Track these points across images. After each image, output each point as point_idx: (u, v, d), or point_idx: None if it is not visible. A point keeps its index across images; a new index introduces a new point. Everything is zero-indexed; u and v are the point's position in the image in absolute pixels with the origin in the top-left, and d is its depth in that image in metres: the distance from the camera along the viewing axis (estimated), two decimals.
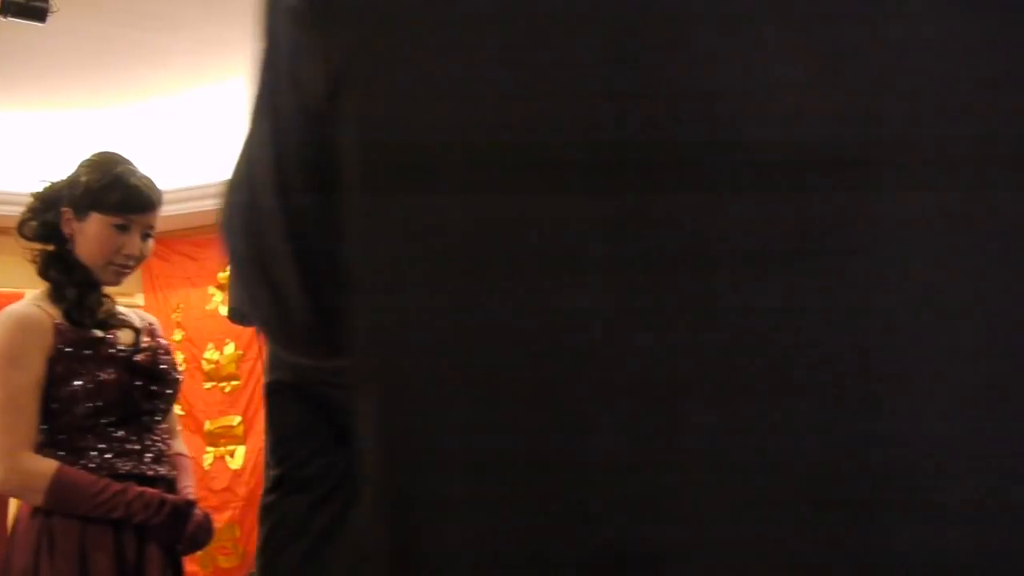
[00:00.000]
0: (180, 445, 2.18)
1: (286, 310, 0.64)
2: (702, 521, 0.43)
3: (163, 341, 2.14)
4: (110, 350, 1.97)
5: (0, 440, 1.91)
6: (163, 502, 1.93)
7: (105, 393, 1.93)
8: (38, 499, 1.88)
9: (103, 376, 1.94)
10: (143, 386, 2.00)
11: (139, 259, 2.07)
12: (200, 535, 2.01)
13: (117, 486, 1.89)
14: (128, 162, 2.07)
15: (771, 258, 0.44)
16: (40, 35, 3.56)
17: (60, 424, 1.95)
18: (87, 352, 1.95)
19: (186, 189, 4.75)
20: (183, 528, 1.95)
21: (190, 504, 2.00)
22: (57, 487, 1.86)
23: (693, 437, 0.43)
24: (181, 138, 4.97)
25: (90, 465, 1.92)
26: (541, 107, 0.47)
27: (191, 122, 4.88)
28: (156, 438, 2.03)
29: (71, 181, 2.04)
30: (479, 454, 0.47)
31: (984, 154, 0.44)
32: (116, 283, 2.07)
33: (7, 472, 1.90)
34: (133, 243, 2.02)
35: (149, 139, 4.62)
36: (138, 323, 2.10)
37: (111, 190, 1.99)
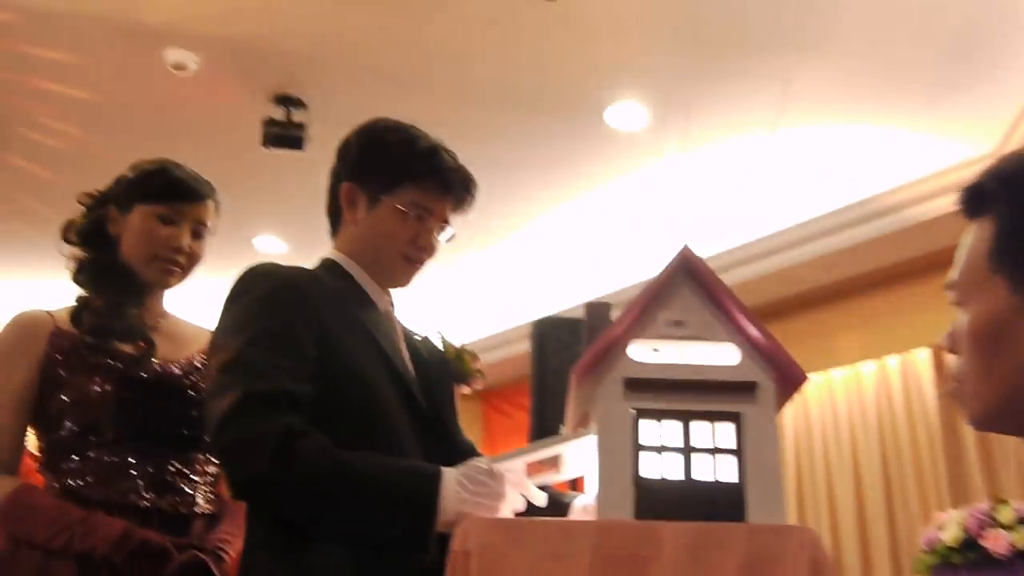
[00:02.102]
0: None
1: None
2: None
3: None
4: (104, 360, 1.75)
5: None
6: (128, 536, 1.62)
7: (92, 409, 1.72)
8: None
9: (91, 390, 1.72)
10: (150, 404, 1.76)
11: (188, 256, 1.88)
12: None
13: (79, 514, 1.64)
14: (174, 162, 1.93)
15: None
16: None
17: (49, 441, 1.76)
18: (74, 360, 1.75)
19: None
20: (156, 573, 1.63)
21: (165, 546, 1.64)
22: (12, 509, 1.66)
23: None
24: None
25: (68, 485, 1.70)
26: None
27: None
28: (172, 467, 1.77)
29: (117, 179, 1.92)
30: None
31: None
32: (164, 282, 1.88)
33: None
34: (180, 235, 1.85)
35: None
36: (197, 339, 1.88)
37: (155, 179, 1.86)
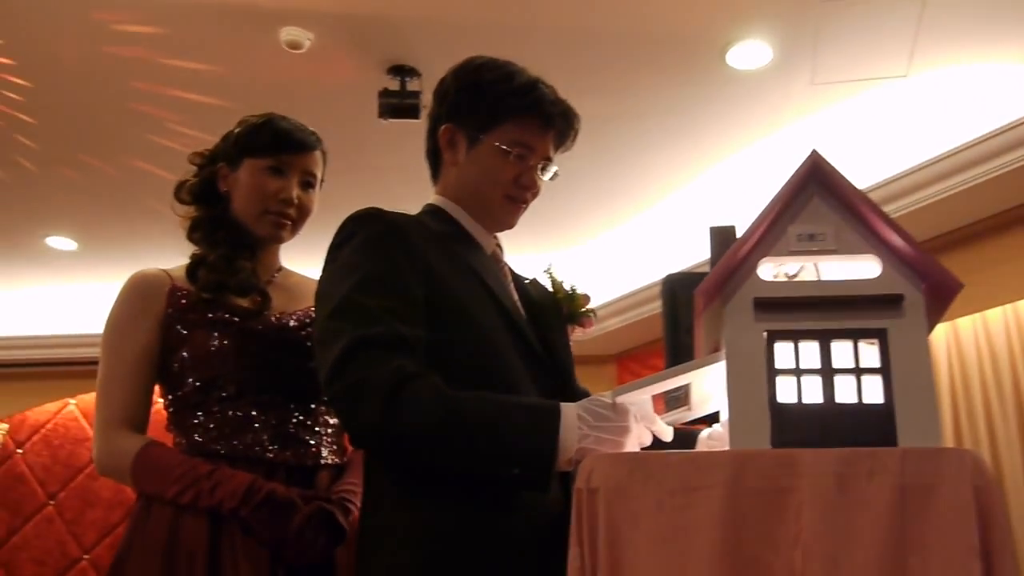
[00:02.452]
0: None
1: None
2: None
3: None
4: (220, 315, 1.77)
5: (97, 416, 1.79)
6: (253, 489, 1.64)
7: (207, 365, 1.74)
8: (127, 480, 1.72)
9: (210, 345, 1.74)
10: (269, 357, 1.77)
11: (299, 208, 1.87)
12: (311, 536, 1.65)
13: (204, 468, 1.67)
14: (279, 115, 1.93)
15: None
16: None
17: (174, 398, 1.79)
18: (192, 316, 1.77)
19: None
20: (283, 525, 1.63)
21: (291, 499, 1.65)
22: (139, 467, 1.69)
23: None
24: None
25: (194, 440, 1.74)
26: None
27: None
28: (295, 419, 1.77)
29: (225, 137, 1.93)
30: None
31: None
32: (276, 236, 1.88)
33: (98, 452, 1.77)
34: (289, 187, 1.85)
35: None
36: (309, 292, 1.74)
37: (261, 132, 1.86)
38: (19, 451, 6.76)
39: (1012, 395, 3.78)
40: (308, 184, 1.91)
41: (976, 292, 3.92)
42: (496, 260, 1.70)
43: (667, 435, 1.41)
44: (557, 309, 1.78)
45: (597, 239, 4.99)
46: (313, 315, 1.71)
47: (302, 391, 1.79)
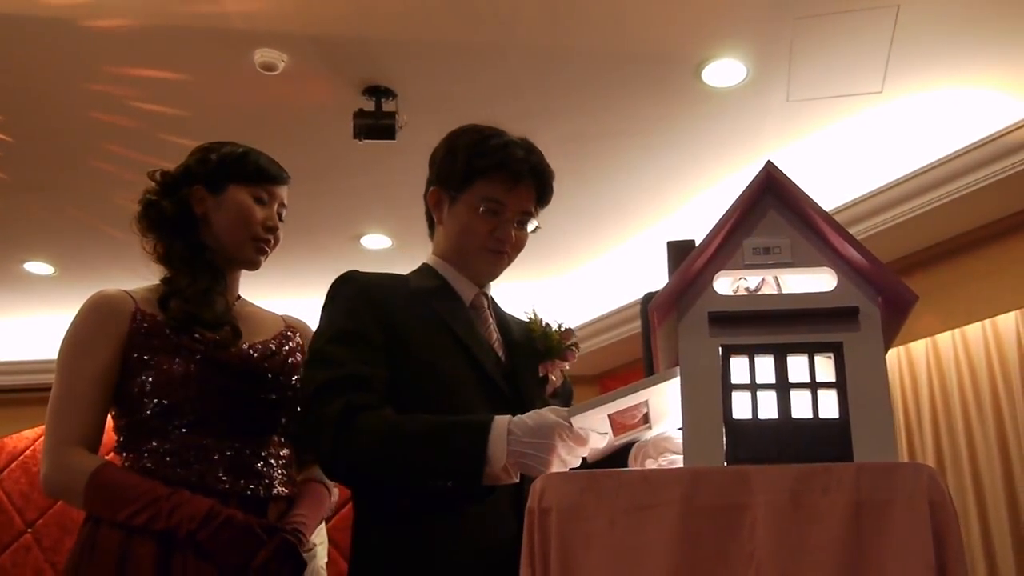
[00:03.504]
0: (318, 473, 1.88)
1: None
2: None
3: (290, 347, 1.91)
4: (186, 341, 1.75)
5: (49, 434, 1.73)
6: (212, 514, 1.63)
7: (171, 388, 1.72)
8: (79, 501, 1.68)
9: (174, 371, 1.72)
10: (227, 387, 1.76)
11: (276, 239, 1.92)
12: (276, 567, 1.66)
13: (163, 490, 1.65)
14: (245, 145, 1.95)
15: None
16: None
17: (129, 423, 1.76)
18: (156, 342, 1.74)
19: None
20: (242, 551, 1.63)
21: (250, 524, 1.66)
22: (94, 486, 1.66)
23: None
24: None
25: (146, 467, 1.70)
26: None
27: None
28: (249, 450, 1.77)
29: (199, 160, 1.92)
30: None
31: None
32: (256, 261, 1.90)
33: (48, 469, 1.71)
34: (273, 215, 1.90)
35: None
36: (268, 323, 1.94)
37: (245, 162, 1.88)
38: None
39: (991, 409, 3.77)
40: (280, 215, 1.96)
41: (955, 308, 3.92)
42: (477, 310, 1.81)
43: (589, 457, 1.49)
44: (532, 345, 1.83)
45: (574, 259, 4.98)
46: (273, 347, 1.88)
47: (259, 421, 1.81)
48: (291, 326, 1.99)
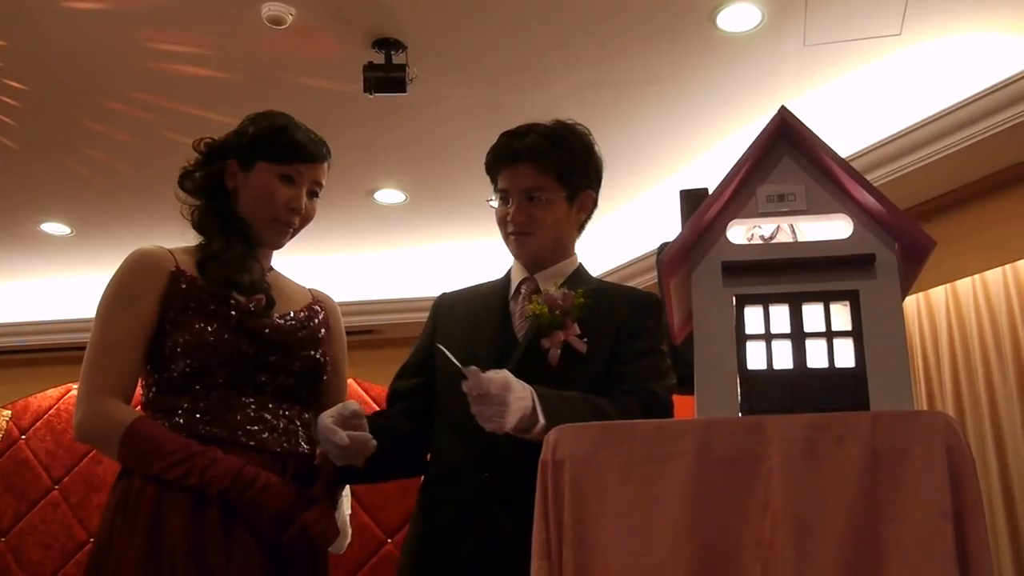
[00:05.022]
0: None
1: None
2: None
3: (317, 321, 1.94)
4: (222, 307, 1.78)
5: (85, 382, 1.75)
6: (245, 472, 1.67)
7: (202, 352, 1.74)
8: (113, 450, 1.71)
9: (205, 333, 1.74)
10: (258, 354, 1.79)
11: (304, 217, 1.92)
12: (318, 530, 1.73)
13: (197, 447, 1.69)
14: (292, 118, 1.95)
15: None
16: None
17: (159, 380, 1.79)
18: (193, 304, 1.77)
19: None
20: (277, 516, 1.68)
21: (282, 485, 1.71)
22: (130, 438, 1.68)
23: None
24: None
25: (175, 422, 1.74)
26: None
27: None
28: (280, 411, 1.82)
29: (238, 132, 1.93)
30: None
31: None
32: (279, 242, 1.93)
33: (84, 416, 1.73)
34: (299, 196, 1.88)
35: None
36: (297, 296, 1.98)
37: (278, 138, 1.87)
38: (23, 437, 6.79)
39: (1011, 355, 3.74)
40: (314, 193, 1.95)
41: (975, 253, 3.88)
42: (516, 299, 1.98)
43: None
44: (536, 330, 1.87)
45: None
46: (303, 317, 1.93)
47: (287, 388, 1.84)
48: (318, 300, 2.02)
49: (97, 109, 4.07)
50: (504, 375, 1.61)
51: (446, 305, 2.06)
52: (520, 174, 1.91)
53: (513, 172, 1.92)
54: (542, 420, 1.60)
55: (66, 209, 5.11)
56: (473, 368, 1.60)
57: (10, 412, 6.81)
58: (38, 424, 6.74)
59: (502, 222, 1.95)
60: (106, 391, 1.74)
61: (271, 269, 1.99)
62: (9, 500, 6.60)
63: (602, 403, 1.71)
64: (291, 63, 3.72)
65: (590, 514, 1.07)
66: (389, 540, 5.87)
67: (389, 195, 4.89)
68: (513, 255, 2.00)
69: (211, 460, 1.68)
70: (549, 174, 1.91)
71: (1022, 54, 3.50)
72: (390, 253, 5.56)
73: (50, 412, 6.60)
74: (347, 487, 3.31)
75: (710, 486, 1.06)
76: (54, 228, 5.32)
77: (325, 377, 1.93)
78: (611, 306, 1.90)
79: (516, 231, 1.93)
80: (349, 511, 3.67)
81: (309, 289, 2.05)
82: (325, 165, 1.95)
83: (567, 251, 2.02)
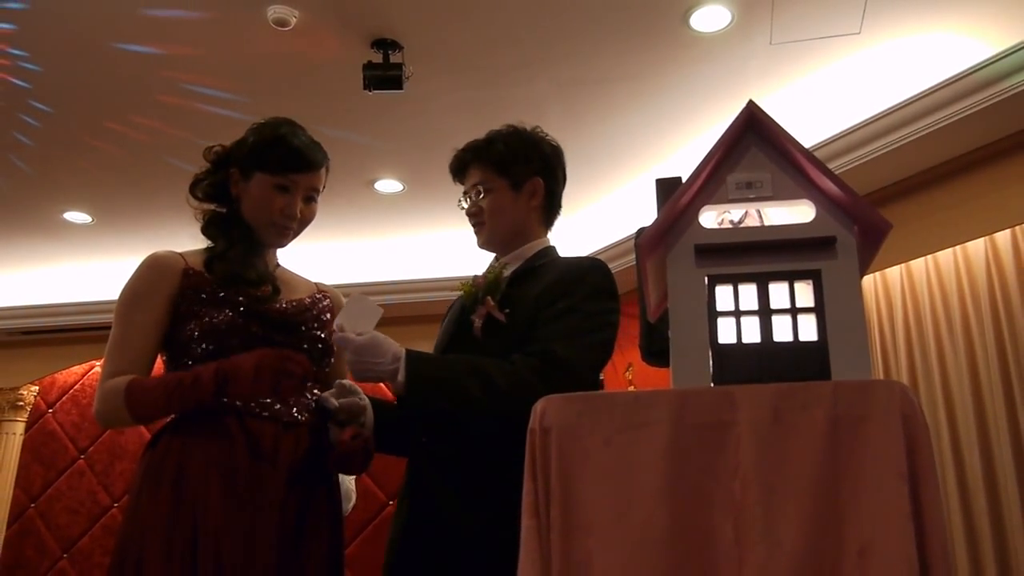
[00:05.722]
0: None
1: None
2: None
3: (321, 306, 1.96)
4: (230, 296, 1.82)
5: (102, 373, 1.80)
6: (226, 367, 1.70)
7: (217, 335, 1.77)
8: (124, 415, 1.74)
9: (216, 319, 1.78)
10: (266, 336, 1.81)
11: (300, 221, 1.93)
12: (360, 444, 1.77)
13: (181, 374, 1.73)
14: (294, 124, 1.94)
15: None
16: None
17: (178, 366, 1.81)
18: (204, 296, 1.80)
19: None
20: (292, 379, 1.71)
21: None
22: (129, 392, 1.72)
23: None
24: None
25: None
26: None
27: None
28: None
29: (240, 142, 1.93)
30: None
31: None
32: (279, 243, 1.96)
33: (98, 402, 1.78)
34: (293, 203, 1.89)
35: None
36: (302, 286, 2.00)
37: (273, 150, 1.87)
38: (50, 411, 6.77)
39: (961, 330, 3.77)
40: (311, 198, 1.96)
41: (928, 236, 3.89)
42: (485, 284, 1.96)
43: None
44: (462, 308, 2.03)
45: (572, 198, 4.91)
46: (308, 303, 1.93)
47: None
48: (323, 291, 2.04)
49: (114, 110, 4.04)
50: (371, 337, 1.73)
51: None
52: (470, 175, 2.04)
53: (465, 176, 2.05)
54: (400, 378, 1.70)
55: (87, 199, 5.08)
56: (335, 332, 1.76)
57: (37, 388, 6.79)
58: (64, 399, 6.71)
59: (279, 212, 1.91)
60: (112, 376, 1.77)
61: (278, 265, 2.01)
62: (38, 469, 6.59)
63: (486, 364, 1.73)
64: (295, 63, 3.70)
65: (575, 477, 1.08)
66: (391, 502, 5.89)
67: (388, 185, 4.87)
68: (268, 241, 1.96)
69: (195, 373, 1.72)
70: (490, 169, 2.00)
71: (969, 53, 3.51)
72: (389, 239, 5.55)
73: (75, 387, 6.58)
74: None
75: (685, 450, 1.06)
76: (76, 217, 5.29)
77: (332, 360, 1.94)
78: (544, 276, 1.91)
79: (472, 222, 2.05)
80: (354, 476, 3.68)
81: (315, 283, 2.07)
82: (322, 171, 1.95)
83: (527, 236, 2.04)
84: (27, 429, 6.66)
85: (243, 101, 3.94)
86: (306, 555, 1.72)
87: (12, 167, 4.62)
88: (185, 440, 1.72)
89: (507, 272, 1.97)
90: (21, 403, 6.65)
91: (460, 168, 2.06)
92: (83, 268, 5.94)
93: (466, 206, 2.06)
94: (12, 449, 6.54)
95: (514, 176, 2.01)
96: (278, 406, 1.79)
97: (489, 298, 1.89)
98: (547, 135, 2.11)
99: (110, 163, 4.58)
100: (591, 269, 1.92)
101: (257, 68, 3.73)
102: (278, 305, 1.87)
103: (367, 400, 1.86)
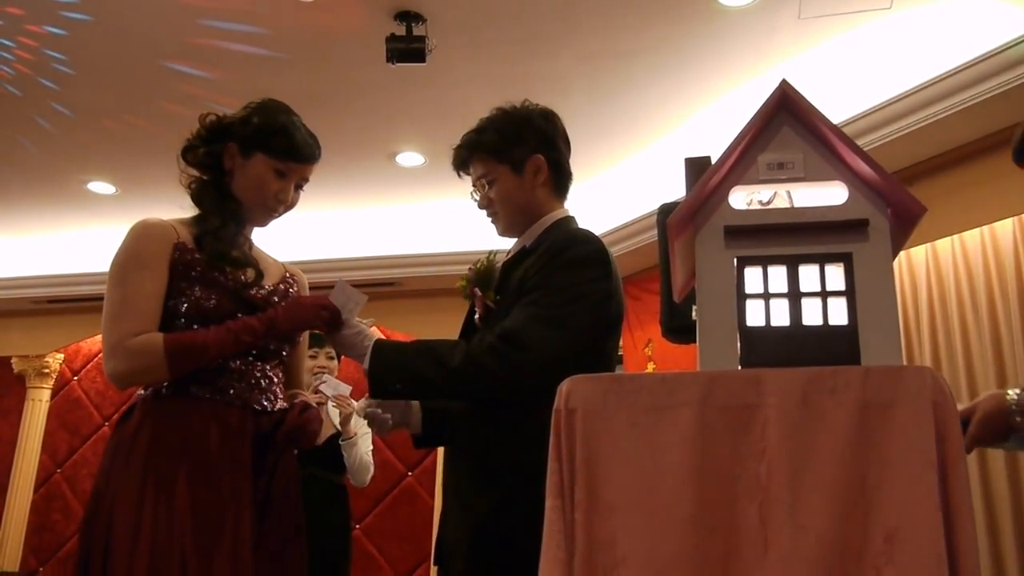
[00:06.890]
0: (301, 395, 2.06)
1: None
2: None
3: (292, 293, 2.01)
4: (219, 277, 1.84)
5: (110, 335, 1.78)
6: (262, 319, 1.84)
7: (203, 315, 1.80)
8: (163, 371, 1.75)
9: (204, 301, 1.80)
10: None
11: (288, 206, 1.98)
12: (312, 416, 1.92)
13: (229, 323, 1.81)
14: (293, 112, 1.99)
15: None
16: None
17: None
18: (194, 274, 1.82)
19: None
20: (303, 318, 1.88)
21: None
22: (172, 346, 1.75)
23: None
24: None
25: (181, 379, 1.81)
26: None
27: None
28: (259, 371, 1.89)
29: (243, 119, 1.95)
30: None
31: None
32: (262, 224, 2.00)
33: (119, 361, 1.76)
34: (287, 189, 1.94)
35: None
36: (273, 269, 2.03)
37: (280, 136, 1.90)
38: (75, 378, 6.84)
39: (987, 313, 3.72)
40: (300, 187, 2.02)
41: (955, 215, 3.83)
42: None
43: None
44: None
45: (594, 173, 4.90)
46: (282, 288, 2.00)
47: (270, 349, 1.93)
48: (291, 273, 2.09)
49: (140, 80, 4.04)
50: (357, 332, 1.86)
51: None
52: (473, 169, 2.06)
53: (468, 170, 2.07)
54: (364, 365, 1.81)
55: (111, 170, 5.10)
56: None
57: (63, 356, 6.86)
58: (89, 366, 6.79)
59: (273, 195, 1.96)
60: (131, 334, 1.76)
61: (252, 244, 2.04)
62: (64, 435, 6.67)
63: (439, 345, 1.84)
64: (321, 36, 3.68)
65: (601, 458, 1.07)
66: (409, 473, 5.93)
67: (409, 158, 4.85)
68: (255, 220, 2.02)
69: (243, 323, 1.82)
70: (489, 159, 2.01)
71: (1010, 23, 3.43)
72: (410, 211, 5.54)
73: (99, 356, 6.64)
74: (366, 428, 3.33)
75: (711, 433, 1.05)
76: (100, 187, 5.32)
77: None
78: (533, 256, 1.94)
79: (488, 216, 2.08)
80: (371, 447, 3.70)
81: (282, 263, 2.11)
82: (315, 164, 2.01)
83: (536, 214, 2.04)
84: (53, 396, 6.75)
85: (271, 74, 3.93)
86: (273, 522, 1.82)
87: (41, 133, 4.64)
88: (156, 417, 1.78)
89: (497, 259, 2.05)
90: (47, 370, 6.73)
91: (461, 164, 2.08)
92: (107, 237, 5.97)
93: (477, 199, 2.08)
94: (39, 415, 6.63)
95: (513, 160, 2.01)
96: (248, 394, 1.86)
97: (477, 289, 1.98)
98: (536, 105, 2.09)
99: (135, 134, 4.59)
100: (572, 243, 1.90)
101: (281, 41, 3.71)
102: (259, 291, 1.92)
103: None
